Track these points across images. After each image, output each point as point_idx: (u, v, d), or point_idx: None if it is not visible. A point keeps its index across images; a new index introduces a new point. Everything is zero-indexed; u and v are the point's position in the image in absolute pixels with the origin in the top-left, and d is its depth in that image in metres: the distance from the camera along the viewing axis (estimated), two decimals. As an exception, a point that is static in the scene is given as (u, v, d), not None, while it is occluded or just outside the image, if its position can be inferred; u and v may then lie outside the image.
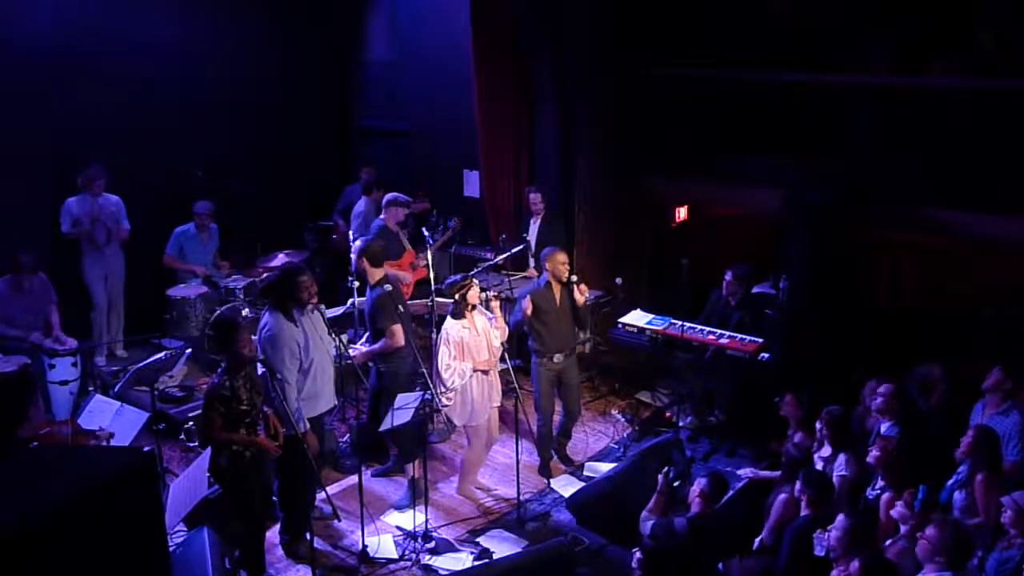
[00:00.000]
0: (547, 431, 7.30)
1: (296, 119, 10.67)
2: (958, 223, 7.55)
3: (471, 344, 6.57)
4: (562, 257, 7.06)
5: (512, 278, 8.53)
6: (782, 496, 5.70)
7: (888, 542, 5.19)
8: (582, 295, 7.06)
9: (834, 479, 5.75)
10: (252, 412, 5.60)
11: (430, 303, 7.37)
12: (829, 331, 7.51)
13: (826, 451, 6.03)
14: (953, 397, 6.49)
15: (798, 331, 7.62)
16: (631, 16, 8.81)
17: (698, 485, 5.64)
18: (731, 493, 6.15)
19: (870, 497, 5.65)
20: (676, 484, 5.90)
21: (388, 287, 6.56)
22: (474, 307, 6.65)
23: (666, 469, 5.94)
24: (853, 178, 7.86)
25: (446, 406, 6.57)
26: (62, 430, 5.74)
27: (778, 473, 6.35)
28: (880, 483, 5.60)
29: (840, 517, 4.99)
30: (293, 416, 5.75)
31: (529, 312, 6.96)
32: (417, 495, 6.58)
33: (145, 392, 6.75)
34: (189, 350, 7.35)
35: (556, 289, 7.04)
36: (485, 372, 6.65)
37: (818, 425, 6.05)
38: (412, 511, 6.49)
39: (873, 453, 5.59)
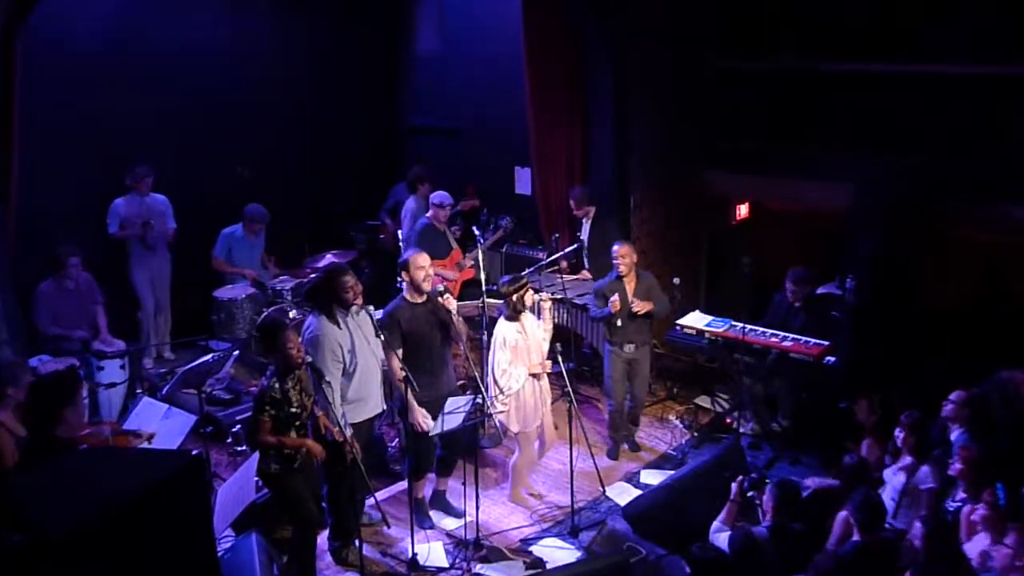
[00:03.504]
0: (618, 416, 7.60)
1: (344, 117, 10.77)
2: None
3: (523, 348, 6.55)
4: (623, 250, 7.25)
5: (566, 279, 8.50)
6: (842, 514, 5.59)
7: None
8: (637, 309, 7.21)
9: (921, 491, 5.64)
10: (302, 415, 5.64)
11: (481, 304, 7.37)
12: (898, 333, 7.37)
13: (906, 460, 5.90)
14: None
15: (865, 333, 7.49)
16: (690, 5, 8.73)
17: (770, 494, 5.56)
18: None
19: (950, 508, 5.52)
20: (751, 493, 5.82)
21: (401, 304, 6.29)
22: (526, 309, 6.63)
23: (740, 478, 5.87)
24: (925, 173, 7.69)
25: (500, 412, 6.55)
26: (103, 430, 5.83)
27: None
28: (961, 495, 5.46)
29: (917, 524, 4.88)
30: (339, 421, 5.77)
31: (618, 307, 7.19)
32: (423, 516, 6.59)
33: (193, 395, 6.83)
34: (236, 352, 7.44)
35: (630, 281, 7.26)
36: (536, 376, 6.64)
37: (898, 432, 5.91)
38: (463, 519, 6.50)
39: (955, 465, 5.45)
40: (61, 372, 5.80)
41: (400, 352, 6.12)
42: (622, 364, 7.46)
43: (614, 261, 7.28)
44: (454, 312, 6.38)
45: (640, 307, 7.20)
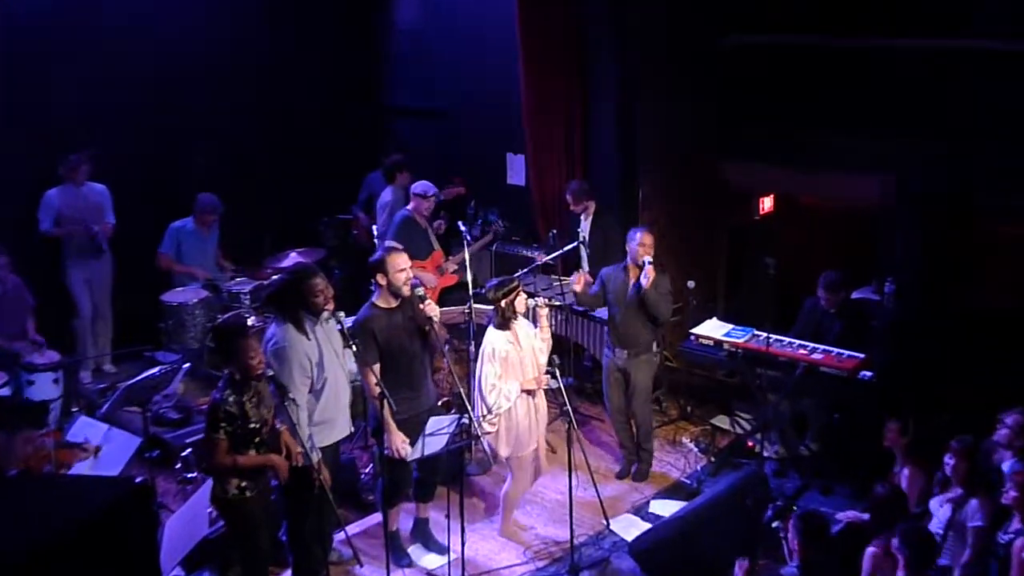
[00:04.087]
0: (620, 428, 7.76)
1: (311, 96, 10.77)
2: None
3: (515, 360, 6.53)
4: (646, 238, 7.32)
5: (564, 282, 8.50)
6: (871, 550, 5.57)
7: None
8: (645, 278, 7.23)
9: (968, 528, 5.63)
10: (262, 430, 5.61)
11: (467, 310, 7.34)
12: (945, 343, 7.38)
13: (954, 492, 5.89)
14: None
15: (907, 344, 7.50)
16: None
17: (793, 528, 5.54)
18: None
19: (1002, 541, 5.51)
20: (775, 525, 5.81)
21: (374, 312, 6.24)
22: (518, 316, 6.62)
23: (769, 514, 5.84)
24: (971, 162, 7.71)
25: (488, 433, 6.53)
26: (45, 443, 5.80)
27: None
28: (1016, 525, 5.46)
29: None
30: (305, 444, 5.74)
31: (580, 285, 7.45)
32: (399, 553, 6.57)
33: (136, 413, 6.81)
34: (187, 365, 7.42)
35: (632, 275, 7.36)
36: (530, 393, 6.62)
37: (946, 459, 5.90)
38: (447, 555, 6.47)
39: (1009, 492, 5.44)
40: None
41: (376, 367, 6.10)
42: (614, 371, 7.59)
43: (638, 248, 7.29)
44: (436, 319, 6.34)
45: (650, 271, 7.20)
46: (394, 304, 6.26)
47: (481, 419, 6.43)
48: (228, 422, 5.45)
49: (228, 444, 5.48)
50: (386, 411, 5.99)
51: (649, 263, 7.22)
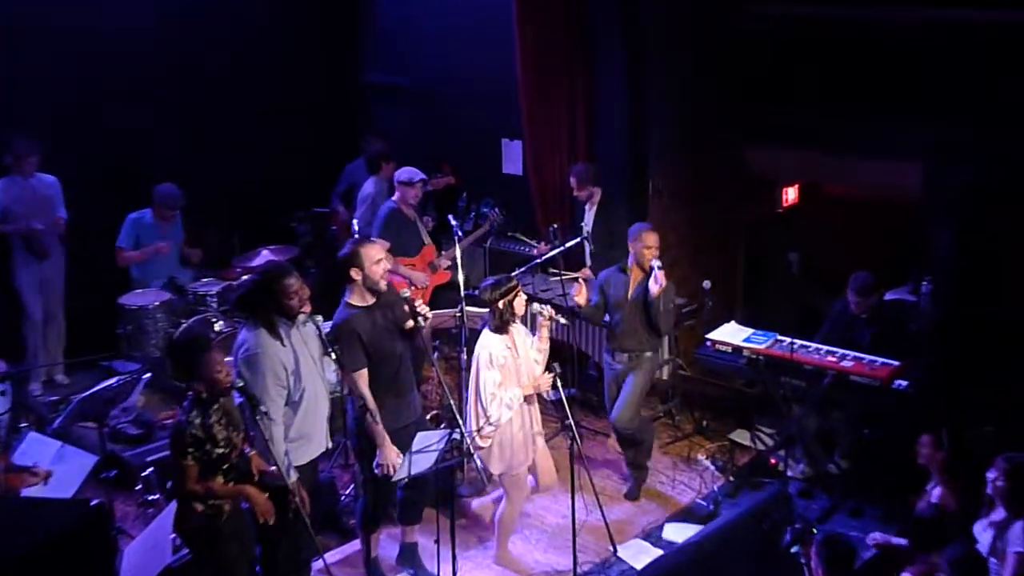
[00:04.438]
0: (622, 441, 7.82)
1: (284, 73, 10.79)
2: None
3: (512, 368, 6.58)
4: (652, 238, 7.38)
5: (568, 277, 8.55)
6: None
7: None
8: (656, 284, 7.27)
9: (1008, 555, 5.70)
10: (231, 455, 5.65)
11: (459, 313, 7.40)
12: (988, 349, 7.42)
13: (998, 515, 5.95)
14: None
15: (947, 350, 7.54)
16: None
17: (816, 555, 5.58)
18: (858, 566, 6.10)
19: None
20: (794, 549, 5.86)
21: (354, 312, 6.31)
22: (517, 319, 6.69)
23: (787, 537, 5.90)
24: (1020, 150, 7.76)
25: (481, 448, 6.59)
26: (-9, 466, 5.88)
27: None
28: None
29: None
30: (281, 463, 5.79)
31: (581, 299, 7.49)
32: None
33: (92, 429, 6.84)
34: (148, 374, 7.45)
35: (634, 276, 7.47)
36: (526, 400, 6.67)
37: (990, 476, 5.96)
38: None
39: None
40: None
41: (365, 373, 6.18)
42: (614, 375, 7.75)
43: (644, 251, 7.37)
44: (428, 320, 6.43)
45: (660, 277, 7.25)
46: (371, 301, 6.31)
47: (475, 433, 6.48)
48: (195, 447, 5.48)
49: (198, 470, 5.53)
50: (377, 422, 6.08)
51: (659, 267, 7.29)
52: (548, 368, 6.70)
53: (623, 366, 7.69)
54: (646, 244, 7.40)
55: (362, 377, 6.16)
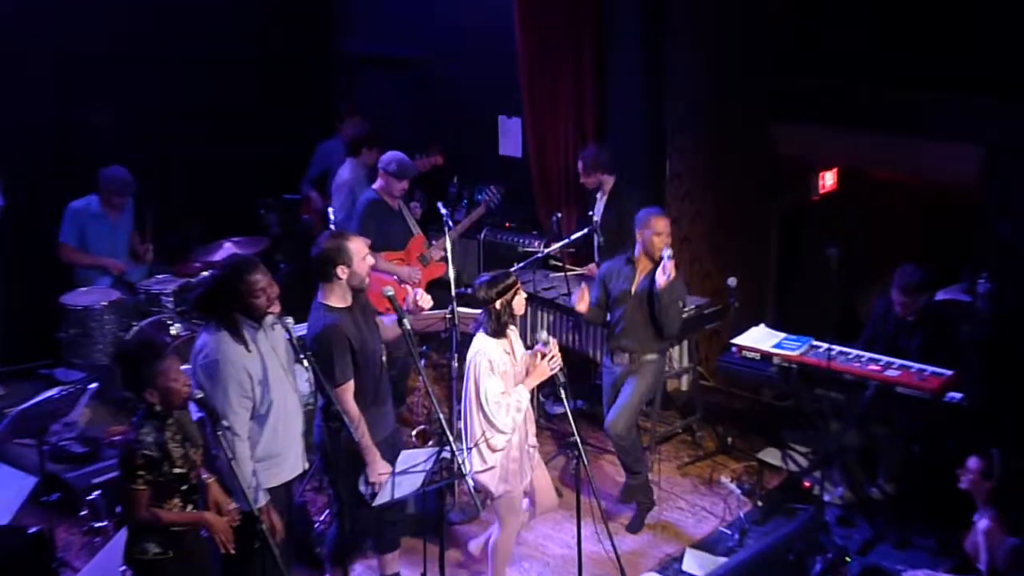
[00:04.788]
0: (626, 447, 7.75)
1: (250, 41, 10.78)
2: None
3: (510, 375, 6.55)
4: (662, 224, 7.40)
5: (571, 276, 8.52)
6: None
7: None
8: (663, 274, 7.28)
9: None
10: (189, 475, 5.62)
11: (449, 315, 7.38)
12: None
13: None
14: None
15: (1005, 357, 7.54)
16: None
17: None
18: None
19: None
20: None
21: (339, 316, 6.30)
22: (516, 320, 6.65)
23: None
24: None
25: (483, 471, 6.52)
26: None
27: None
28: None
29: None
30: (247, 484, 5.76)
31: (584, 304, 7.50)
32: None
33: (30, 447, 6.82)
34: (94, 385, 7.43)
35: (641, 268, 7.50)
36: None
37: None
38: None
39: None
40: None
41: (352, 384, 6.17)
42: (612, 378, 7.81)
43: (654, 239, 7.38)
44: (424, 308, 6.47)
45: (669, 267, 7.23)
46: (350, 301, 6.33)
47: (471, 452, 6.43)
48: (148, 469, 5.44)
49: (150, 495, 5.50)
50: (366, 437, 6.06)
51: (669, 257, 7.27)
52: (553, 378, 6.64)
53: (623, 368, 7.68)
54: (655, 231, 7.40)
55: (350, 389, 6.14)
